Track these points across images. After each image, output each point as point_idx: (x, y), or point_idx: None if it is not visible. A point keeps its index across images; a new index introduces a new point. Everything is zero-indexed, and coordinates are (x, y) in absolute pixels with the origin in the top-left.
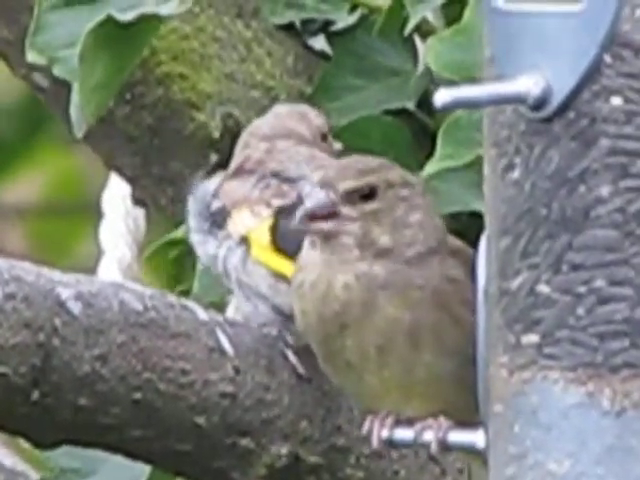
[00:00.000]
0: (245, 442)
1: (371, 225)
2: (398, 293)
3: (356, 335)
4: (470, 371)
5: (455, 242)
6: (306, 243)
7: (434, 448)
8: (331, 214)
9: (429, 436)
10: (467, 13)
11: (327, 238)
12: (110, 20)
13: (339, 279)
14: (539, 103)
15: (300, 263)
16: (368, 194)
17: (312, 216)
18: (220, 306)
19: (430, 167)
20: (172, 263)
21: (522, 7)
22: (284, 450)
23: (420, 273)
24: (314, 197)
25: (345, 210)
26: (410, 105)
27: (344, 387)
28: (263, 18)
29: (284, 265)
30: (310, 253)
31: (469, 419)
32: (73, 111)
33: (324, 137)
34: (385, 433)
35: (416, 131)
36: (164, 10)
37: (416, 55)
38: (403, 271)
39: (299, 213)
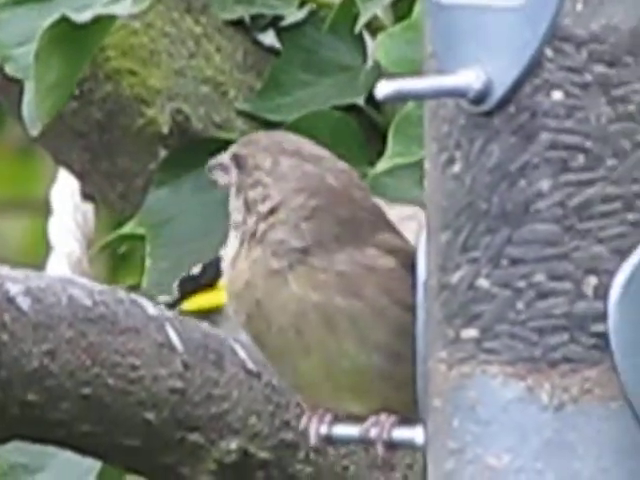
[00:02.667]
0: (194, 437)
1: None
2: (302, 274)
3: (271, 315)
4: (405, 370)
5: (396, 240)
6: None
7: (379, 447)
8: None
9: (374, 434)
10: (417, 9)
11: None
12: (65, 20)
13: (238, 255)
14: (480, 97)
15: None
16: (240, 165)
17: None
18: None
19: (382, 164)
20: (121, 258)
21: (463, 1)
22: (233, 445)
23: (324, 258)
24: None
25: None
26: (360, 101)
27: (283, 378)
28: (212, 13)
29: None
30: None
31: (409, 415)
32: (27, 110)
33: None
34: (323, 429)
35: (366, 127)
36: (120, 10)
37: (365, 51)
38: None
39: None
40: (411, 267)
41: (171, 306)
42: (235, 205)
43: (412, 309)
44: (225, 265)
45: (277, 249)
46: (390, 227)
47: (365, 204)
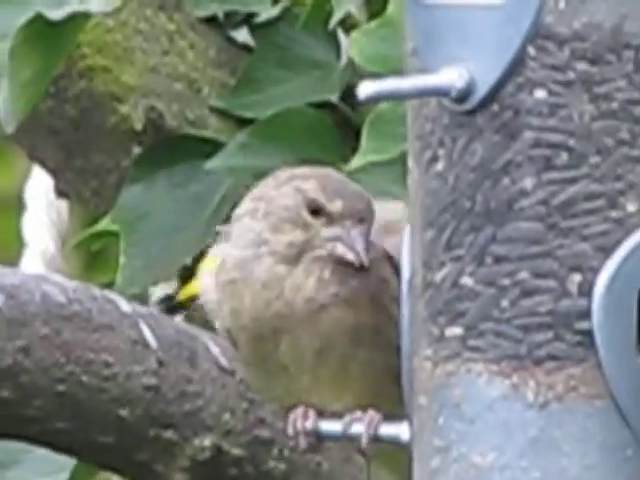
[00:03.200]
0: (168, 434)
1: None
2: (341, 296)
3: (294, 337)
4: (397, 360)
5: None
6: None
7: (365, 441)
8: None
9: (358, 429)
10: (391, 6)
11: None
12: (40, 17)
13: (298, 281)
14: (462, 96)
15: (222, 260)
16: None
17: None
18: (143, 298)
19: (356, 161)
20: (95, 255)
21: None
22: (207, 442)
23: (357, 276)
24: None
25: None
26: (333, 98)
27: (269, 389)
28: (186, 11)
29: None
30: (250, 247)
31: (396, 411)
32: (2, 107)
33: None
34: (309, 426)
35: (339, 124)
36: (94, 8)
37: (339, 48)
38: (343, 274)
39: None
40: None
41: (170, 298)
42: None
43: None
44: (237, 261)
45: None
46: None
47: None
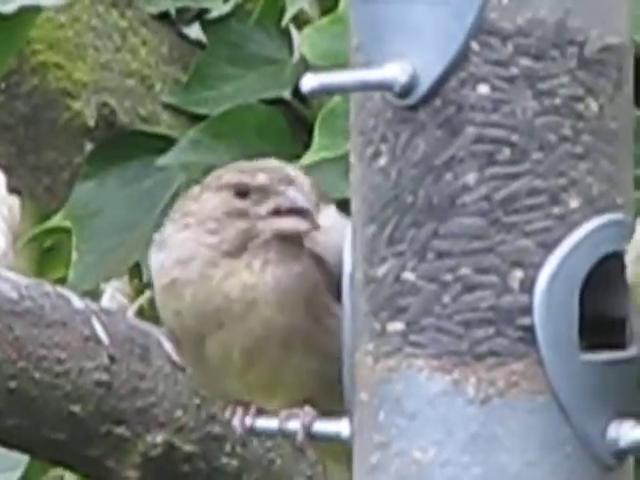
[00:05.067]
0: (120, 430)
1: None
2: (277, 296)
3: (225, 336)
4: (335, 364)
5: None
6: (180, 237)
7: (300, 438)
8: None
9: (294, 425)
10: (342, 3)
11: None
12: None
13: (240, 278)
14: (405, 90)
15: (161, 264)
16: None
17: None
18: (95, 295)
19: (308, 157)
20: (47, 252)
21: None
22: (159, 438)
23: (292, 276)
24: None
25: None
26: (286, 94)
27: (209, 388)
28: (138, 7)
29: None
30: (188, 249)
31: (335, 409)
32: None
33: None
34: (248, 421)
35: (292, 120)
36: (45, 2)
37: (292, 45)
38: (288, 276)
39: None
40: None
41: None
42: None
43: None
44: (182, 259)
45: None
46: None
47: None
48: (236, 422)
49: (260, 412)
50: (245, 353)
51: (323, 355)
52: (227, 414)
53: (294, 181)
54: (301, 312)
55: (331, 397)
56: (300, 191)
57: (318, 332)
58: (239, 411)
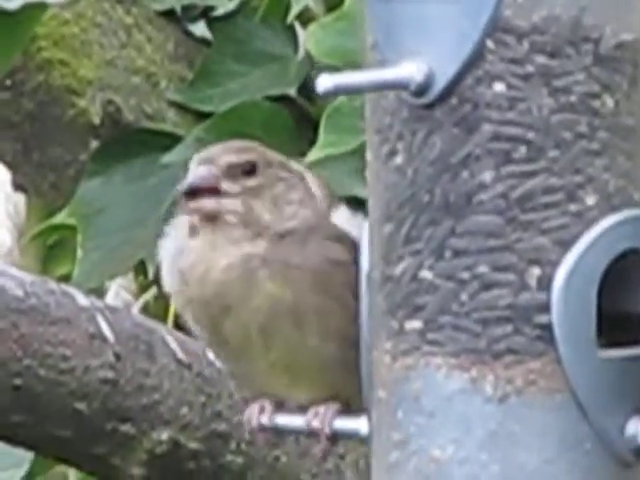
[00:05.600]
0: (125, 428)
1: (253, 201)
2: (278, 271)
3: (238, 317)
4: (355, 354)
5: (341, 228)
6: (182, 230)
7: (322, 438)
8: (212, 190)
9: (316, 425)
10: (348, 0)
11: (210, 218)
12: None
13: (220, 260)
14: (421, 89)
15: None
16: (249, 170)
17: (193, 193)
18: (100, 292)
19: (313, 154)
20: (52, 249)
21: None
22: (164, 436)
23: (299, 252)
24: (195, 174)
25: (226, 186)
26: (291, 91)
27: (237, 373)
28: (143, 4)
29: None
30: (184, 239)
31: (356, 404)
32: None
33: None
34: (265, 421)
35: (297, 117)
36: None
37: (297, 42)
38: (282, 249)
39: (180, 190)
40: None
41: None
42: (258, 213)
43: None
44: (182, 249)
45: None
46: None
47: (314, 191)
48: (253, 423)
49: (278, 409)
50: (261, 331)
51: (344, 339)
52: (245, 416)
53: (208, 160)
54: (310, 288)
55: (355, 392)
56: (203, 170)
57: (336, 311)
58: (255, 411)
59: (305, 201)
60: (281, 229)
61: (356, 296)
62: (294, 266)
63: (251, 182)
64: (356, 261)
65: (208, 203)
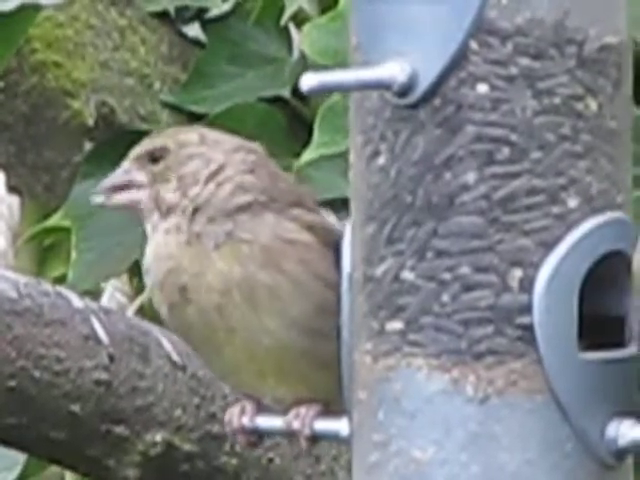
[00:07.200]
0: (119, 430)
1: (160, 185)
2: (225, 246)
3: (197, 300)
4: (327, 348)
5: (313, 216)
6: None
7: (302, 439)
8: (125, 186)
9: (296, 426)
10: (342, 0)
11: (133, 209)
12: None
13: (159, 249)
14: (405, 89)
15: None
16: (158, 156)
17: (112, 191)
18: (95, 294)
19: (307, 155)
20: (47, 251)
21: None
22: (158, 438)
23: (247, 228)
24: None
25: (136, 176)
26: (285, 93)
27: (209, 366)
28: (137, 6)
29: None
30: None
31: (338, 406)
32: None
33: None
34: (246, 422)
35: (291, 119)
36: (45, 0)
37: (291, 43)
38: (222, 225)
39: (96, 192)
40: (331, 245)
41: None
42: (162, 196)
43: (334, 287)
44: (151, 262)
45: (215, 214)
46: (307, 202)
47: (282, 176)
48: (234, 425)
49: (260, 410)
50: (218, 312)
51: (309, 329)
52: (225, 416)
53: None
54: (259, 263)
55: (331, 389)
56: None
57: (289, 290)
58: (235, 413)
59: (242, 178)
60: (197, 204)
61: (318, 277)
62: (242, 240)
63: (157, 167)
64: (327, 245)
65: (120, 198)
